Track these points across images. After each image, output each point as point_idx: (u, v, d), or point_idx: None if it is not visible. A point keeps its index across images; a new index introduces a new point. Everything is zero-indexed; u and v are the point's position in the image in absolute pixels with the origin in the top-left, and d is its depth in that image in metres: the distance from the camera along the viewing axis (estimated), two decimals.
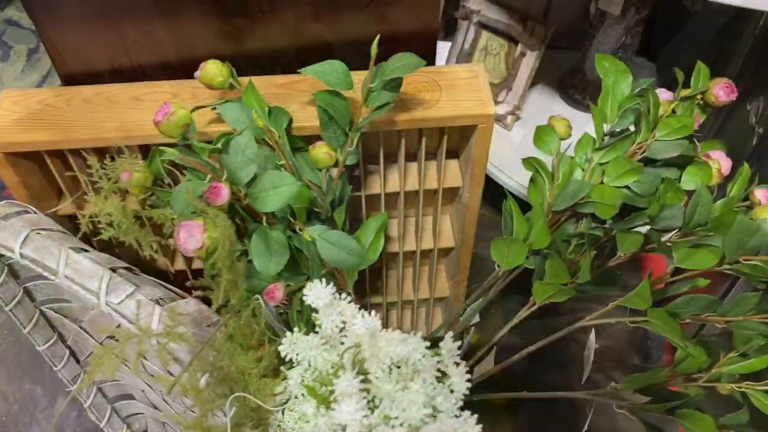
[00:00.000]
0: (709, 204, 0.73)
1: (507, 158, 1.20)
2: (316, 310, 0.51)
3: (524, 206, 0.79)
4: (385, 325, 1.13)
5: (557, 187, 0.80)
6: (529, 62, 1.18)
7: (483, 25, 1.21)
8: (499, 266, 0.85)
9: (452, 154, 0.86)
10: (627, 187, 0.76)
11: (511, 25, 1.17)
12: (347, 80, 0.63)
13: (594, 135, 0.80)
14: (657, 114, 0.74)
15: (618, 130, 0.79)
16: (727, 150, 1.23)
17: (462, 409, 0.45)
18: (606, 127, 0.79)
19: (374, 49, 0.61)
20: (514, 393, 0.87)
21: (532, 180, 0.84)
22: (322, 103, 0.63)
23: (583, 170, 0.81)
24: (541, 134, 0.80)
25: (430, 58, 0.81)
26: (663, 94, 0.76)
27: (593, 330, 0.87)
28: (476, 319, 1.01)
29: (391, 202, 0.86)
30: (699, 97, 0.74)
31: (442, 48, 1.32)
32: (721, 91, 0.70)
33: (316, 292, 0.51)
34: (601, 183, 0.78)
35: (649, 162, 0.79)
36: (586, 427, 0.89)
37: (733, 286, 1.07)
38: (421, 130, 0.76)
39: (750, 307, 0.70)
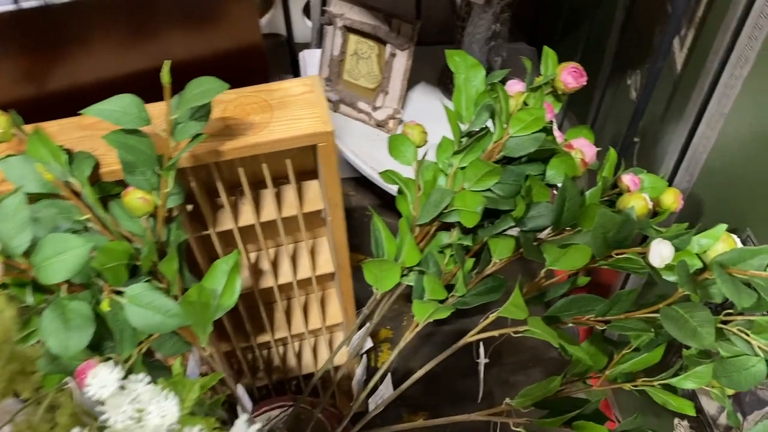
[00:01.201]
0: (576, 197, 0.68)
1: (393, 165, 1.14)
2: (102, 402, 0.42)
3: None
4: (283, 361, 1.05)
5: (420, 197, 0.74)
6: (401, 62, 1.12)
7: (349, 29, 1.14)
8: (376, 289, 0.78)
9: (312, 174, 0.79)
10: (490, 190, 0.71)
11: (376, 25, 1.11)
12: (141, 116, 0.55)
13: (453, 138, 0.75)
14: (508, 109, 0.69)
15: (477, 129, 0.73)
16: (613, 130, 1.20)
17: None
18: (464, 127, 0.74)
19: (165, 76, 0.53)
20: (410, 424, 0.80)
21: (399, 192, 0.78)
22: (117, 145, 0.55)
23: (447, 176, 0.75)
24: (395, 144, 0.73)
25: (261, 74, 0.74)
26: (515, 85, 0.70)
27: (481, 344, 0.82)
28: (369, 344, 0.94)
29: (262, 232, 0.79)
30: (550, 84, 0.69)
31: (316, 56, 1.25)
32: (569, 77, 0.65)
33: (100, 379, 0.42)
34: (463, 189, 0.72)
35: (512, 160, 0.73)
36: None
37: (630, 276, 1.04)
38: (260, 155, 0.68)
39: (629, 303, 0.65)
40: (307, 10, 1.52)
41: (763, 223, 0.67)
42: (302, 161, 0.75)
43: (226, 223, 0.75)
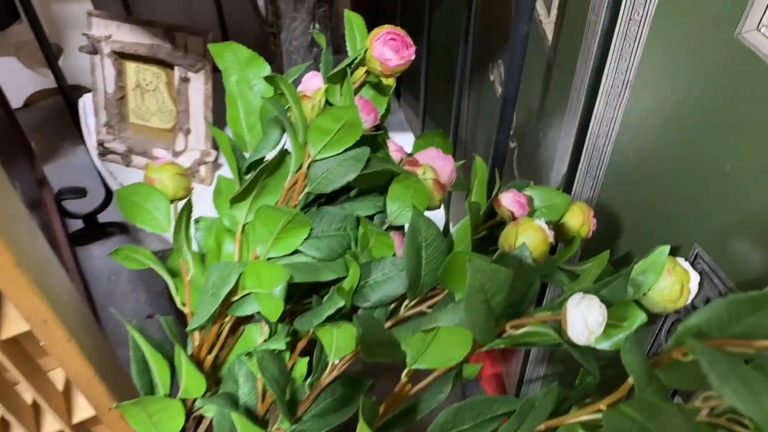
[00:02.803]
0: (436, 241, 0.42)
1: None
2: None
3: None
4: None
5: (191, 281, 0.45)
6: (197, 88, 0.83)
7: (121, 55, 0.85)
8: None
9: None
10: (299, 251, 0.43)
11: (155, 45, 0.82)
12: None
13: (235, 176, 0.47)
14: (305, 117, 0.42)
15: (266, 156, 0.45)
16: (485, 140, 0.97)
17: None
18: (248, 157, 0.46)
19: None
20: None
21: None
22: None
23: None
24: (130, 199, 0.44)
25: None
26: (312, 79, 0.44)
27: None
28: None
29: None
30: (363, 69, 0.43)
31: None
32: (387, 49, 0.39)
33: None
34: (257, 257, 0.44)
35: (332, 198, 0.47)
36: None
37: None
38: None
39: (550, 404, 0.39)
40: None
41: (718, 232, 0.43)
42: None
43: None
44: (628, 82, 0.48)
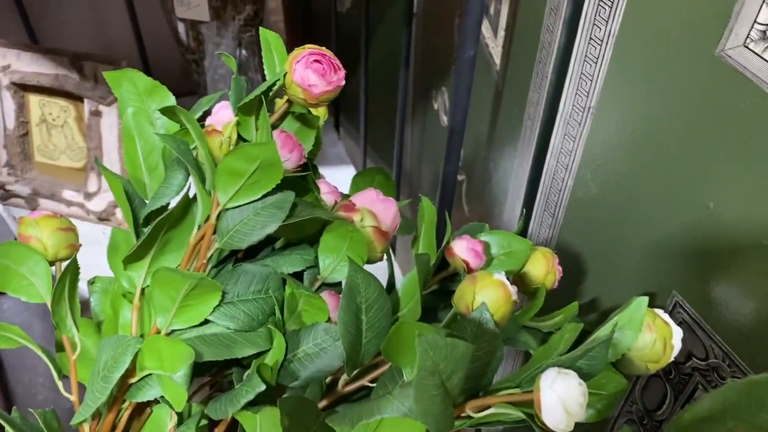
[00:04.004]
0: (379, 300, 0.34)
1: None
2: None
3: None
4: None
5: (77, 360, 0.37)
6: (110, 122, 0.74)
7: (23, 87, 0.75)
8: None
9: None
10: (209, 321, 0.35)
11: (61, 75, 0.73)
12: None
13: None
14: (211, 157, 0.34)
15: (167, 205, 0.38)
16: (431, 174, 0.92)
17: None
18: (148, 204, 0.38)
19: None
20: None
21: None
22: None
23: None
24: None
25: None
26: (221, 111, 0.36)
27: None
28: None
29: None
30: (283, 101, 0.35)
31: None
32: (310, 73, 0.32)
33: None
34: (158, 331, 0.36)
35: (251, 253, 0.39)
36: None
37: None
38: None
39: None
40: None
41: (701, 277, 0.38)
42: None
43: None
44: (589, 108, 0.42)
